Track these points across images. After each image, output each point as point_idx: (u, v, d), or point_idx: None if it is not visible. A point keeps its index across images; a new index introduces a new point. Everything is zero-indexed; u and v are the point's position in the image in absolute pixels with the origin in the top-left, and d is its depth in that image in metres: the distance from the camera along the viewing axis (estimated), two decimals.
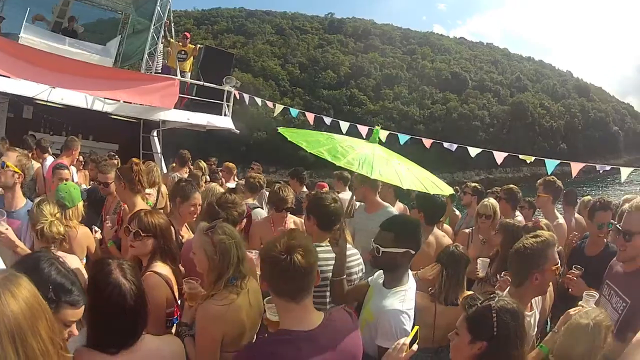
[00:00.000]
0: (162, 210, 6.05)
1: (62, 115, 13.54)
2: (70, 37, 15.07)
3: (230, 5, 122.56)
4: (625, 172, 10.31)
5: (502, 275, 4.50)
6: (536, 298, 3.72)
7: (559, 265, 3.51)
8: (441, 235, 5.76)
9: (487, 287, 4.92)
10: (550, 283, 3.96)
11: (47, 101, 11.97)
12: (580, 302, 3.68)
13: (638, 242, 3.44)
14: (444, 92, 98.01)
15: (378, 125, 5.20)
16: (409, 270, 3.68)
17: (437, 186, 4.60)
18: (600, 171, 11.90)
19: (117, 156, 10.92)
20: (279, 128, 4.86)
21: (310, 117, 15.73)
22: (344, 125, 13.64)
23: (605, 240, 5.19)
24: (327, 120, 15.21)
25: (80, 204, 5.23)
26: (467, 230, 6.66)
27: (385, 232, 3.58)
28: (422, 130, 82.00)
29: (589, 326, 2.69)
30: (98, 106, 12.88)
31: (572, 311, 3.41)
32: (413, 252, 3.53)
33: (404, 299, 3.44)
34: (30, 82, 11.44)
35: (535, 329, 3.67)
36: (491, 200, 6.41)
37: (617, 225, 3.72)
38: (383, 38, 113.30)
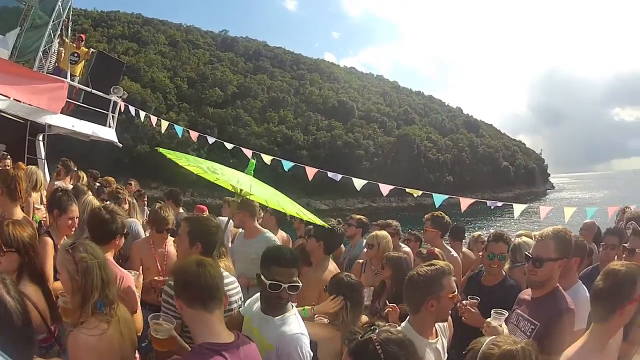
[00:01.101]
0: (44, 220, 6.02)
1: None
2: None
3: (129, 10, 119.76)
4: (518, 208, 10.78)
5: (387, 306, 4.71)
6: (441, 325, 3.79)
7: (456, 293, 3.58)
8: (334, 266, 5.82)
9: (377, 319, 4.71)
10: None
11: None
12: (489, 319, 3.90)
13: (547, 268, 3.73)
14: (330, 119, 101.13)
15: (253, 158, 5.26)
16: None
17: (299, 213, 4.88)
18: (492, 207, 12.17)
19: (9, 156, 10.68)
20: (158, 148, 4.98)
21: (194, 135, 16.02)
22: (229, 146, 13.98)
23: (502, 272, 5.36)
24: (210, 139, 15.62)
25: None
26: (360, 261, 6.76)
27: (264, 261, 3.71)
28: (305, 156, 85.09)
29: (519, 352, 2.60)
30: None
31: (492, 322, 3.81)
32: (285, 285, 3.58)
33: (298, 322, 3.57)
34: None
35: (446, 355, 3.75)
36: (378, 232, 6.57)
37: (527, 253, 3.96)
38: (274, 61, 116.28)
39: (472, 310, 4.45)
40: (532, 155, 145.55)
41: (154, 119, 17.65)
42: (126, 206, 7.57)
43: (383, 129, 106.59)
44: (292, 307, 3.68)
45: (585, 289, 4.47)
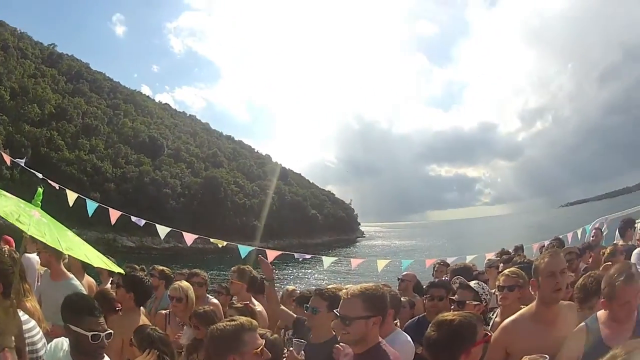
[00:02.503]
0: None
1: None
2: None
3: None
4: (327, 261, 11.68)
5: None
6: None
7: (261, 349, 3.31)
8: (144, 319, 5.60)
9: None
10: None
11: None
12: (290, 348, 4.06)
13: (357, 326, 3.59)
14: (139, 154, 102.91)
15: (41, 187, 4.78)
16: None
17: (103, 262, 4.70)
18: (300, 259, 11.86)
19: None
20: None
21: (7, 159, 15.73)
22: (38, 175, 12.93)
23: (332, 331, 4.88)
24: (21, 162, 14.56)
25: None
26: (163, 312, 6.59)
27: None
28: (112, 190, 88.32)
29: None
30: None
31: None
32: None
33: None
34: None
35: None
36: (183, 283, 6.41)
37: (335, 311, 3.84)
38: (92, 85, 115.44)
39: (296, 356, 4.22)
40: (342, 205, 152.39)
41: None
42: None
43: (191, 169, 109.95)
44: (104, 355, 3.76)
45: (405, 333, 4.99)
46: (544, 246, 11.18)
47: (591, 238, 11.35)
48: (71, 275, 6.27)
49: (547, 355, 3.58)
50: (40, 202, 4.49)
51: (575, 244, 11.33)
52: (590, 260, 8.63)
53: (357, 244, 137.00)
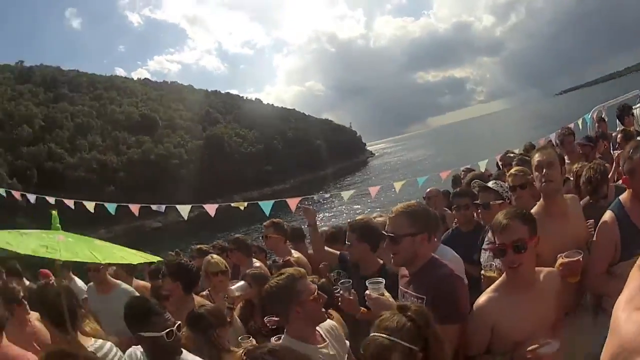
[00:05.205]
0: None
1: None
2: None
3: None
4: (346, 194, 11.96)
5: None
6: (326, 329, 3.81)
7: (317, 294, 3.56)
8: (205, 301, 5.54)
9: (261, 338, 4.81)
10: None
11: None
12: (367, 292, 3.87)
13: (405, 244, 3.65)
14: (137, 135, 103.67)
15: (55, 210, 4.71)
16: None
17: (141, 257, 4.71)
18: (320, 200, 12.17)
19: None
20: None
21: (17, 194, 15.79)
22: (51, 200, 12.58)
23: (379, 260, 5.06)
24: (32, 197, 14.28)
25: None
26: (204, 293, 6.22)
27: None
28: (124, 178, 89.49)
29: (405, 323, 2.68)
30: None
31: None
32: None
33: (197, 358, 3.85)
34: None
35: (346, 356, 3.82)
36: (215, 257, 6.33)
37: (383, 231, 3.91)
38: (71, 86, 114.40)
39: (348, 297, 4.18)
40: (343, 130, 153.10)
41: None
42: None
43: (189, 134, 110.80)
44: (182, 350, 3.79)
45: (449, 248, 5.01)
46: (550, 141, 10.86)
47: (596, 129, 11.52)
48: (119, 282, 6.55)
49: (581, 251, 3.75)
50: (59, 224, 4.48)
51: (579, 134, 10.69)
52: (604, 148, 8.97)
53: (369, 164, 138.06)
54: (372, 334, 2.68)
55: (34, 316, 4.98)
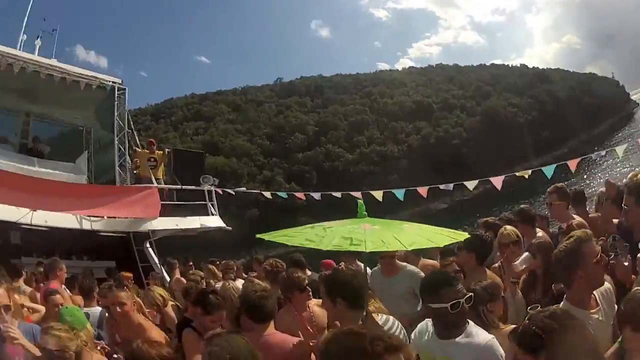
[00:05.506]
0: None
1: (50, 237, 13.19)
2: (37, 157, 15.58)
3: (181, 94, 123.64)
4: (620, 150, 10.93)
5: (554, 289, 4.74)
6: (601, 293, 3.74)
7: (600, 256, 3.57)
8: (494, 275, 5.80)
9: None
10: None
11: (31, 224, 12.19)
12: (638, 256, 3.80)
13: None
14: (414, 122, 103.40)
15: (360, 199, 5.09)
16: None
17: (449, 237, 4.70)
18: (597, 159, 11.65)
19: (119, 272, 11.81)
20: (257, 235, 4.97)
21: (300, 195, 16.73)
22: (337, 194, 13.98)
23: None
24: (317, 195, 15.22)
25: (89, 326, 5.29)
26: (496, 265, 6.48)
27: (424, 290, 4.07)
28: (405, 165, 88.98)
29: None
30: (85, 225, 13.37)
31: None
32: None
33: (480, 329, 3.84)
34: (10, 207, 11.62)
35: (611, 321, 3.69)
36: (509, 228, 6.30)
37: None
38: (337, 89, 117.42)
39: (623, 263, 4.13)
40: (607, 81, 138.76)
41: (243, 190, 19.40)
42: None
43: (465, 111, 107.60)
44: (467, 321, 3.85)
45: None
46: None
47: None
48: (405, 264, 6.74)
49: (627, 244, 4.09)
50: (365, 212, 4.70)
51: None
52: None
53: (635, 117, 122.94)
54: (633, 289, 2.95)
55: (312, 302, 5.66)
